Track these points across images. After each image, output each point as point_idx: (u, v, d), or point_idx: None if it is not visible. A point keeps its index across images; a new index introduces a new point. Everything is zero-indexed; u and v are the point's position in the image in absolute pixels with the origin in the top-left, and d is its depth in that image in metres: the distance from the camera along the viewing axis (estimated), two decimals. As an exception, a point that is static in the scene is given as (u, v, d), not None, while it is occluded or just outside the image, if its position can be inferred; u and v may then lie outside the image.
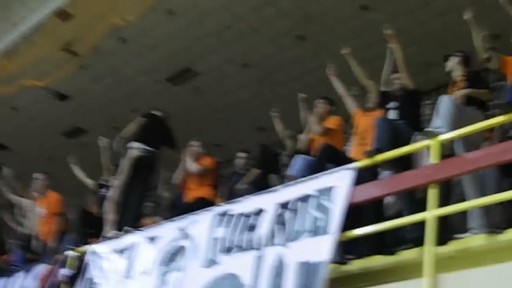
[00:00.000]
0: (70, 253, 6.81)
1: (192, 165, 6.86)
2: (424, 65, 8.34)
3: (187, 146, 7.11)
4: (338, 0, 8.25)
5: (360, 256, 4.93)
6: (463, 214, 4.61)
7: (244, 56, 9.33)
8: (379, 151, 4.78)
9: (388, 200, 5.25)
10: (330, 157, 5.07)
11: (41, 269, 7.22)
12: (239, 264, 4.77)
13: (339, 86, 6.21)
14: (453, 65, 5.41)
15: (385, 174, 5.24)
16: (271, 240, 4.68)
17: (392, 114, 5.49)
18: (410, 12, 8.19)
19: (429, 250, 3.96)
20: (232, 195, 6.73)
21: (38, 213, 8.16)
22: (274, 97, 9.59)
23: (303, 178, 4.97)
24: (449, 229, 4.63)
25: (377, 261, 4.78)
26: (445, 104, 4.75)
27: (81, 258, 6.71)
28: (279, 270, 4.46)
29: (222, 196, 7.08)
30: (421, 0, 8.11)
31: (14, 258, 8.30)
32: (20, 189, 8.75)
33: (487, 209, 4.34)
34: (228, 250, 4.95)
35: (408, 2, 8.13)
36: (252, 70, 9.60)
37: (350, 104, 6.10)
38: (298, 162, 5.52)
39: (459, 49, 5.52)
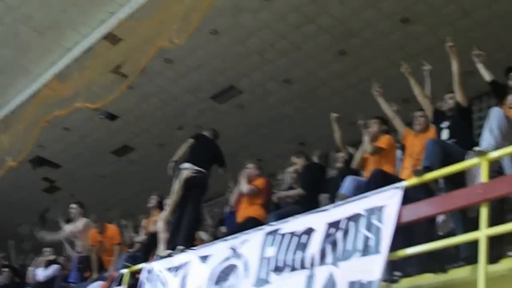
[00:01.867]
0: (125, 270, 7.03)
1: (244, 186, 7.03)
2: (465, 74, 8.35)
3: (243, 168, 7.28)
4: (378, 14, 8.32)
5: (409, 274, 4.99)
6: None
7: (286, 72, 9.47)
8: (428, 169, 4.85)
9: (440, 219, 5.29)
10: (382, 184, 5.04)
11: (96, 286, 7.46)
12: (291, 284, 4.86)
13: (386, 107, 6.25)
14: None
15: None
16: (322, 259, 4.76)
17: (445, 134, 5.54)
18: (450, 23, 8.21)
19: (482, 269, 3.99)
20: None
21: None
22: (316, 112, 9.73)
23: (353, 198, 5.06)
24: (501, 246, 4.67)
25: (427, 279, 4.84)
26: (495, 117, 4.79)
27: (134, 276, 6.93)
28: (331, 290, 4.57)
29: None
30: (461, 10, 8.11)
31: (72, 276, 8.57)
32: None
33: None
34: (279, 269, 5.03)
35: (449, 13, 8.15)
36: (294, 86, 9.72)
37: (400, 125, 6.14)
38: (349, 182, 5.61)
39: (501, 58, 5.53)
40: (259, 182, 7.11)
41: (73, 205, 8.83)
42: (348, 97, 9.48)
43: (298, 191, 7.01)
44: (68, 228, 8.62)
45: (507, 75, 5.57)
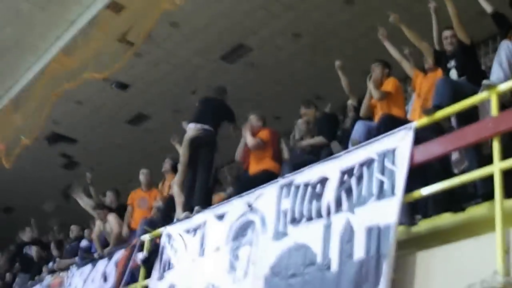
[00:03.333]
0: (146, 236, 7.05)
1: (248, 140, 6.91)
2: (477, 14, 8.13)
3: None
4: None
5: (428, 216, 4.92)
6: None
7: (294, 26, 9.29)
8: (438, 107, 4.73)
9: (454, 157, 5.20)
10: (391, 128, 4.94)
11: (119, 254, 7.51)
12: (309, 234, 4.84)
13: (393, 51, 6.15)
14: None
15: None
16: (337, 207, 4.73)
17: (454, 73, 5.41)
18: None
19: (498, 205, 3.90)
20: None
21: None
22: (328, 65, 9.54)
23: (365, 143, 4.97)
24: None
25: (445, 219, 4.76)
26: (504, 50, 4.66)
27: (155, 242, 6.95)
28: (349, 237, 4.52)
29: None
30: None
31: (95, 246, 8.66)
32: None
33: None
34: (296, 221, 5.02)
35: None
36: (304, 39, 9.55)
37: (408, 67, 6.04)
38: (359, 127, 5.52)
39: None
40: (263, 134, 6.98)
41: (109, 193, 8.91)
42: (359, 47, 9.29)
43: (320, 139, 6.70)
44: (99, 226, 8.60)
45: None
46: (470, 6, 5.82)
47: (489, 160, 4.24)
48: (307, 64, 10.06)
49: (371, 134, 5.21)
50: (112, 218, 8.25)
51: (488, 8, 5.38)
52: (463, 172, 4.82)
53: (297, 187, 5.18)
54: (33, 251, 11.00)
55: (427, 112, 4.73)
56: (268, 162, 6.86)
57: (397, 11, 8.13)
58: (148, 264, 6.68)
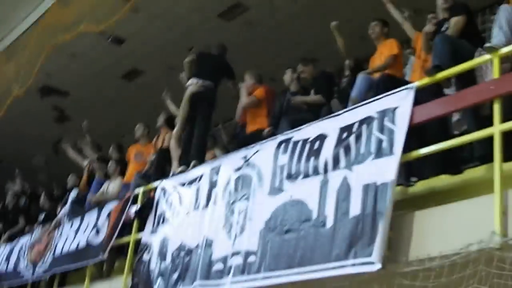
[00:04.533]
0: (140, 190, 7.06)
1: (243, 99, 6.90)
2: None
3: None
4: None
5: (426, 177, 4.95)
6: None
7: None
8: (439, 67, 4.72)
9: (455, 118, 5.21)
10: (391, 88, 4.97)
11: (111, 207, 7.52)
12: (306, 190, 4.84)
13: (395, 12, 6.14)
14: None
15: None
16: (335, 164, 4.71)
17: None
18: None
19: (497, 166, 3.92)
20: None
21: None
22: (325, 26, 9.48)
23: (365, 101, 4.96)
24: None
25: (442, 181, 4.81)
26: (503, 14, 4.65)
27: (148, 195, 6.97)
28: (345, 194, 4.51)
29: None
30: None
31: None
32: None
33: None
34: (293, 176, 5.01)
35: None
36: (302, 0, 9.47)
37: (410, 29, 6.03)
38: (361, 83, 5.49)
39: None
40: (258, 92, 6.98)
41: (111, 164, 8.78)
42: (357, 8, 9.21)
43: (318, 97, 6.66)
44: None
45: None
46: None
47: (487, 122, 4.26)
48: (305, 26, 9.97)
49: (373, 89, 5.20)
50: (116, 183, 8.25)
51: None
52: (461, 134, 4.84)
53: (295, 144, 5.17)
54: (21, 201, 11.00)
55: (428, 72, 4.72)
56: (263, 120, 6.84)
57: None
58: (142, 217, 6.69)
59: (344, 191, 4.56)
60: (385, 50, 6.11)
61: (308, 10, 9.62)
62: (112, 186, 8.29)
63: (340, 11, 9.32)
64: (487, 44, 4.46)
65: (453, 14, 5.30)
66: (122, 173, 8.35)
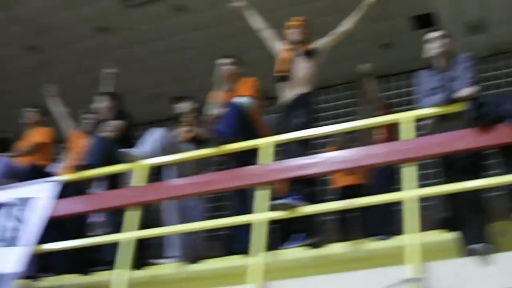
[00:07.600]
0: None
1: None
2: (154, 96, 8.66)
3: None
4: None
5: (57, 273, 4.80)
6: (164, 241, 4.77)
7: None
8: (90, 166, 4.73)
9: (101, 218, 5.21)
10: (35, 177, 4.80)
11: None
12: None
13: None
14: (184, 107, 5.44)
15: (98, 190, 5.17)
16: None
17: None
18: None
19: (121, 273, 3.93)
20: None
21: None
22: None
23: (9, 185, 4.77)
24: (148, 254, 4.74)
25: (71, 279, 4.70)
26: (156, 134, 4.82)
27: None
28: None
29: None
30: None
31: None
32: None
33: (185, 238, 4.52)
34: None
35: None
36: None
37: (67, 127, 5.95)
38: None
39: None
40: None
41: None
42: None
43: None
44: None
45: None
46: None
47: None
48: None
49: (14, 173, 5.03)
50: None
51: None
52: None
53: None
54: None
55: (78, 168, 4.71)
56: None
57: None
58: None
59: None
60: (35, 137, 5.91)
61: None
62: None
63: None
64: (129, 150, 4.51)
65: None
66: None
